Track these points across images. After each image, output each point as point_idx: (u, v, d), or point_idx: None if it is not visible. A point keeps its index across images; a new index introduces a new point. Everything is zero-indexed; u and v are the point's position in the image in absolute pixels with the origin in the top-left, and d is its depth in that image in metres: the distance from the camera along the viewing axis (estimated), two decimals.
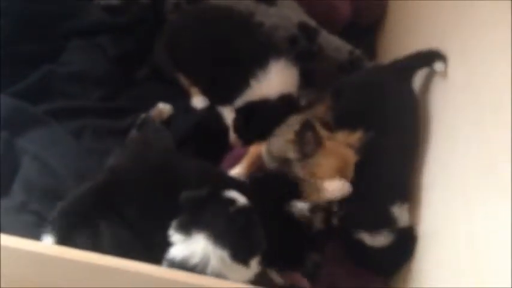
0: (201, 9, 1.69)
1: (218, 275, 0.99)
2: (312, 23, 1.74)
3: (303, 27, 1.70)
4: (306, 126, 1.22)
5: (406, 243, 1.25)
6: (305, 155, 1.23)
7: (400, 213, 1.26)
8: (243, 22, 1.62)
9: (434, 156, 1.31)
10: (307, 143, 1.22)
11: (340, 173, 1.24)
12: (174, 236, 1.04)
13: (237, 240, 1.01)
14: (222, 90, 1.52)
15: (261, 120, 1.43)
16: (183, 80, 1.62)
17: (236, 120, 1.49)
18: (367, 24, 2.00)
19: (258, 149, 1.37)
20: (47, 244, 1.00)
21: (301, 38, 1.69)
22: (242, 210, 1.05)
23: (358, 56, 1.72)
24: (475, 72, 1.16)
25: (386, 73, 1.46)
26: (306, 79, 1.53)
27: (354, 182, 1.25)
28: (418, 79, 1.48)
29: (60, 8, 1.66)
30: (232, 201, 1.06)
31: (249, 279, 1.04)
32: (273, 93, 1.44)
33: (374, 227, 1.26)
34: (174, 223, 1.05)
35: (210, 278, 0.97)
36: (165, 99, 1.56)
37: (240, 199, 1.07)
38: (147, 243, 1.10)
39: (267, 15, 1.68)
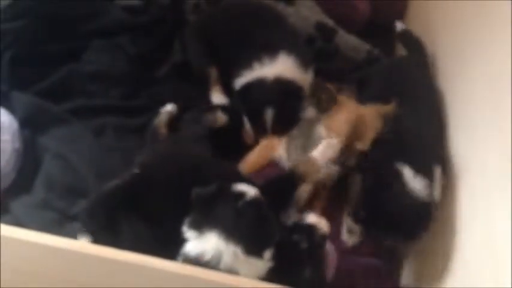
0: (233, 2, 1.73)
1: (230, 271, 1.00)
2: (330, 22, 1.74)
3: (320, 27, 1.70)
4: (318, 85, 1.33)
5: (425, 211, 1.20)
6: (322, 110, 1.30)
7: (438, 180, 1.23)
8: (271, 13, 1.65)
9: (453, 153, 1.30)
10: (322, 98, 1.30)
11: (355, 130, 1.26)
12: (188, 233, 1.05)
13: (248, 235, 1.02)
14: (229, 68, 1.54)
15: (255, 98, 1.44)
16: (213, 74, 1.61)
17: (236, 101, 1.51)
18: (386, 24, 1.98)
19: (268, 149, 1.38)
20: (66, 239, 1.01)
21: (318, 38, 1.69)
22: (251, 203, 1.06)
23: (377, 55, 1.72)
24: (495, 70, 1.15)
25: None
26: (324, 79, 1.53)
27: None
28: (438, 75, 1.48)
29: (81, 9, 1.68)
30: (241, 195, 1.06)
31: (262, 275, 1.04)
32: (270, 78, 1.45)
33: (421, 166, 1.21)
34: (187, 220, 1.06)
35: (228, 275, 0.97)
36: (184, 98, 1.56)
37: (250, 191, 1.08)
38: (169, 244, 1.10)
39: (285, 15, 1.68)
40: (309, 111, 1.38)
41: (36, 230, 1.01)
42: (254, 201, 1.07)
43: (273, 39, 1.52)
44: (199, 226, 1.04)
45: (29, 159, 1.38)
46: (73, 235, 1.14)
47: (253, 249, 1.02)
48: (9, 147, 1.34)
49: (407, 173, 1.20)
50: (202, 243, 1.02)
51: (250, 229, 1.03)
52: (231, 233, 1.01)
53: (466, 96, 1.30)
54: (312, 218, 1.16)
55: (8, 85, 1.48)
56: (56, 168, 1.37)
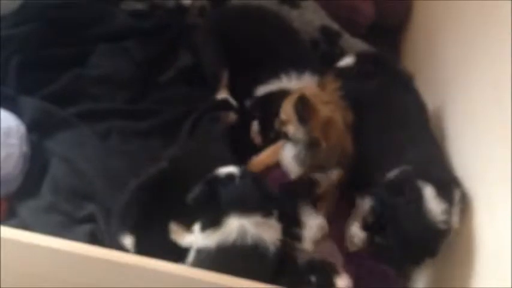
0: (251, 6, 1.74)
1: (258, 240, 1.09)
2: (334, 26, 1.75)
3: (324, 30, 1.71)
4: None
5: (437, 238, 1.15)
6: None
7: (457, 205, 1.16)
8: (287, 25, 1.67)
9: (456, 156, 1.30)
10: None
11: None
12: (203, 235, 1.10)
13: (257, 202, 1.11)
14: (252, 74, 1.56)
15: (277, 107, 1.43)
16: (225, 75, 1.62)
17: (253, 106, 1.53)
18: (391, 26, 1.99)
19: (278, 152, 1.39)
20: (67, 241, 1.03)
21: (322, 42, 1.70)
22: (243, 177, 1.13)
23: None
24: (501, 73, 1.15)
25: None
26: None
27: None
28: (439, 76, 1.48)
29: (88, 13, 1.69)
30: (230, 175, 1.13)
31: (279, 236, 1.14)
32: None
33: (443, 188, 1.15)
34: (197, 227, 1.12)
35: (227, 276, 0.98)
36: (189, 102, 1.58)
37: (234, 170, 1.15)
38: None
39: (289, 19, 1.70)
40: None
41: (43, 233, 1.01)
42: (243, 175, 1.14)
43: (300, 56, 1.57)
44: (216, 221, 1.09)
45: (36, 163, 1.40)
46: (80, 238, 1.15)
47: (265, 211, 1.12)
48: (16, 151, 1.35)
49: (429, 193, 1.15)
50: (222, 232, 1.09)
51: (256, 197, 1.12)
52: (245, 208, 1.10)
53: (468, 97, 1.30)
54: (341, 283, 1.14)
55: (15, 90, 1.49)
56: (62, 172, 1.38)
